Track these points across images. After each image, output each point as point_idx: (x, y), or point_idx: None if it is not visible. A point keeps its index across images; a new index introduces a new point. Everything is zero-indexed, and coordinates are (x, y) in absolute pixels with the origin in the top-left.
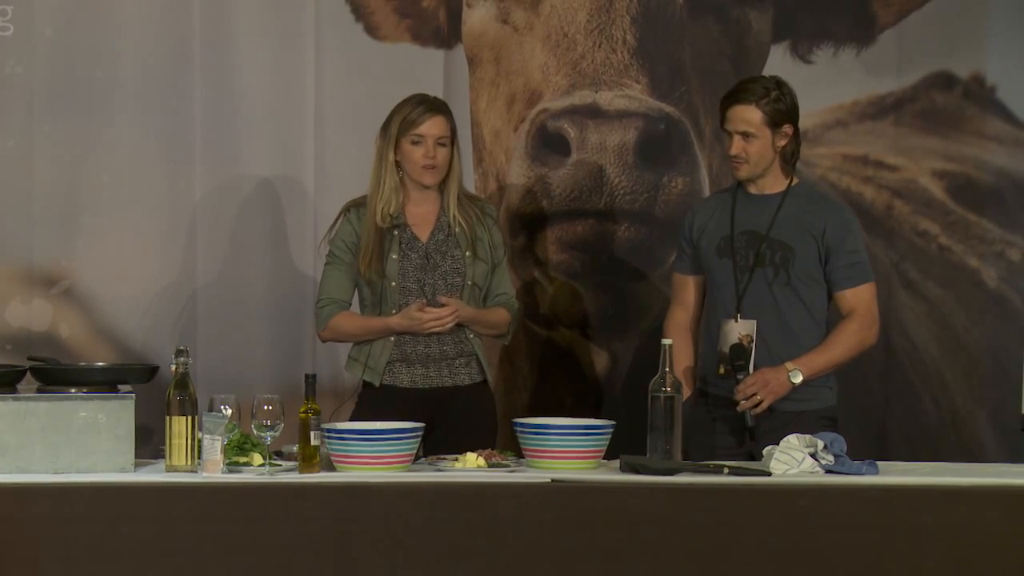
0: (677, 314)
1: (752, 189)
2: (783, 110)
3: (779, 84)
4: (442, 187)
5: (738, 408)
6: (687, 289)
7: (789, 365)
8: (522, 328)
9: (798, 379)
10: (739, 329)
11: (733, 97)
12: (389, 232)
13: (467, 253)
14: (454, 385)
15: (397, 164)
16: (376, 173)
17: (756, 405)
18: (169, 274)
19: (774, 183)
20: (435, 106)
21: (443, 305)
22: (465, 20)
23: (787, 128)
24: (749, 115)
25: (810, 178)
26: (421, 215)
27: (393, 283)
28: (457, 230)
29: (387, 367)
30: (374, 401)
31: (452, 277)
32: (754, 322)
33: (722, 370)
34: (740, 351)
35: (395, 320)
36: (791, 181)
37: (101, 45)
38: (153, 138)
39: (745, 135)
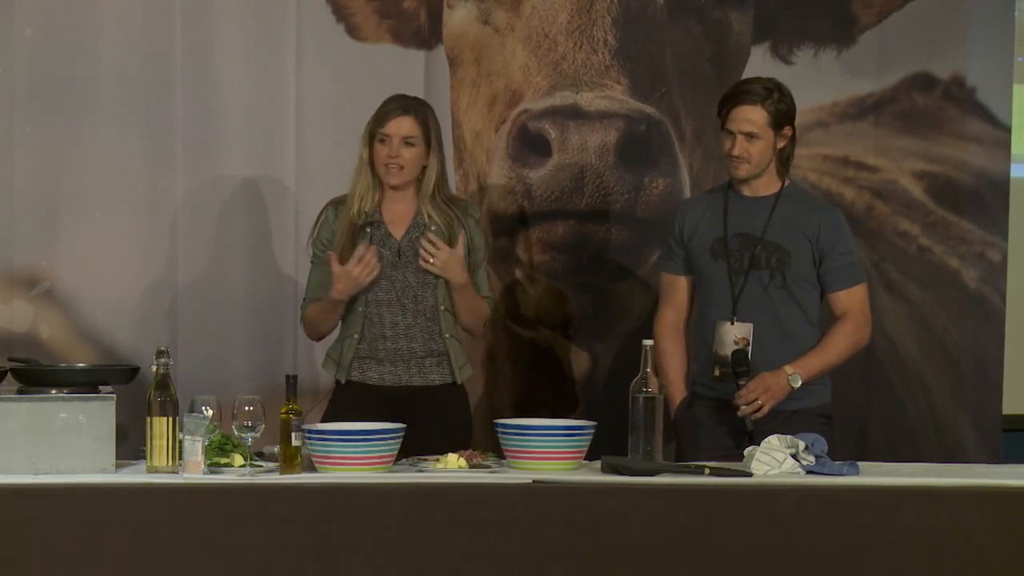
0: (667, 315)
1: (745, 191)
2: (784, 111)
3: (778, 86)
4: (418, 187)
5: (739, 413)
6: (678, 290)
7: (788, 369)
8: (503, 329)
9: (798, 383)
10: (735, 332)
11: (737, 98)
12: (363, 228)
13: None
14: (424, 384)
15: (372, 162)
16: (356, 170)
17: (757, 410)
18: (150, 275)
19: (768, 185)
20: (406, 106)
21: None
22: (446, 21)
23: (787, 130)
24: (754, 115)
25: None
26: (397, 213)
27: None
28: (433, 228)
29: (355, 363)
30: (344, 399)
31: (424, 274)
32: (750, 325)
33: (718, 372)
34: (742, 357)
35: (333, 290)
36: (783, 183)
37: (82, 46)
38: (134, 139)
39: (749, 135)
